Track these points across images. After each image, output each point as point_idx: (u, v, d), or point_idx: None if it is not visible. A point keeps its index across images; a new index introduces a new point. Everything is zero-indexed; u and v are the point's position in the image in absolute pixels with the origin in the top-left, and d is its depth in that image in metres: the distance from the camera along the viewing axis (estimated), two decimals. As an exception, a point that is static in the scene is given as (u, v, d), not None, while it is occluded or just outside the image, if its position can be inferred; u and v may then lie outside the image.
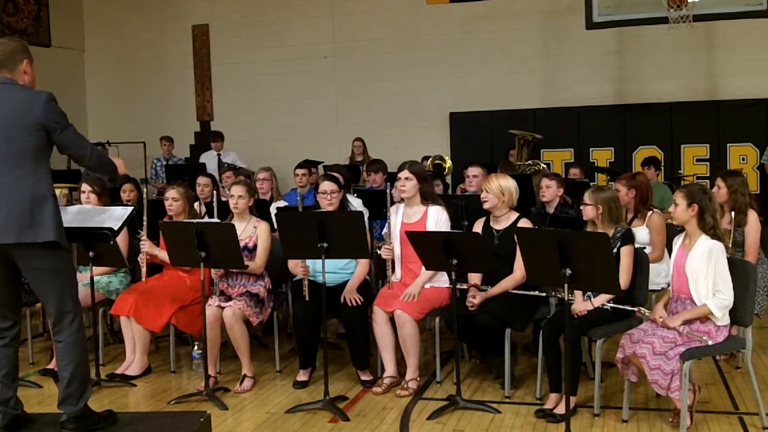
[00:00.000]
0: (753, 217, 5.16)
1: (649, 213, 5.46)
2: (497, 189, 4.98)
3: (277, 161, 10.17)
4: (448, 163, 10.82)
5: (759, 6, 9.37)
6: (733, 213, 5.09)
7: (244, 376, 5.13)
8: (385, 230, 5.27)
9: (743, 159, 10.35)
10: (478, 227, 5.16)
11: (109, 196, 5.91)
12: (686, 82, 10.50)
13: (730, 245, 4.86)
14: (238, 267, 4.98)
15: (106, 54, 12.67)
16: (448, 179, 9.54)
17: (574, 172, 8.42)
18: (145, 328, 5.31)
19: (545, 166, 9.73)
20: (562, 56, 10.95)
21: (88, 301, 5.04)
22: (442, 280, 5.09)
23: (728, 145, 10.37)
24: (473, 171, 6.70)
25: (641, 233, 5.32)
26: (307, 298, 4.97)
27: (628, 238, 4.56)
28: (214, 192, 5.80)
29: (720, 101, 10.41)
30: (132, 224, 5.62)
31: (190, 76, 12.48)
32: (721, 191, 5.15)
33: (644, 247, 5.21)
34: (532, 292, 4.78)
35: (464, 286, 4.97)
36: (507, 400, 4.75)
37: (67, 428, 3.56)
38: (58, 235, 3.47)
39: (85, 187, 5.61)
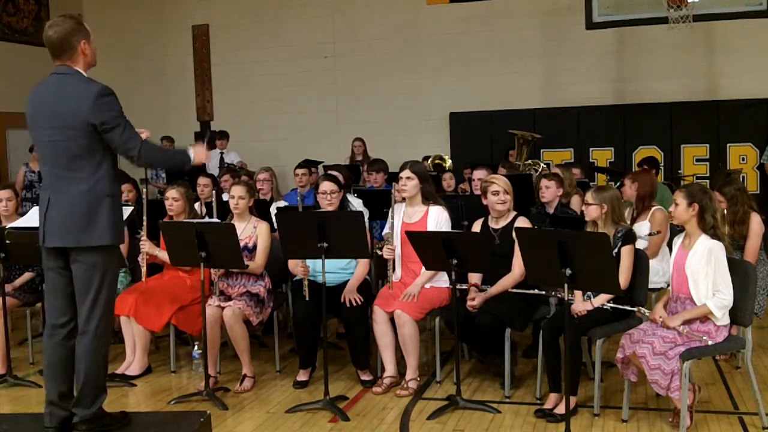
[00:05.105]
0: (756, 221, 5.12)
1: (653, 209, 5.52)
2: (509, 188, 5.01)
3: (278, 161, 10.17)
4: (448, 163, 10.82)
5: (759, 6, 9.36)
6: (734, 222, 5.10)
7: (244, 376, 5.13)
8: (386, 230, 5.26)
9: (743, 159, 10.34)
10: (476, 227, 5.16)
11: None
12: (686, 82, 10.49)
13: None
14: (238, 267, 4.98)
15: (106, 54, 12.66)
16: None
17: (575, 172, 8.39)
18: (145, 328, 5.31)
19: (545, 165, 9.73)
20: (562, 56, 10.94)
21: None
22: (442, 280, 5.08)
23: (728, 145, 10.37)
24: (479, 174, 6.50)
25: (643, 227, 5.40)
26: (307, 298, 4.97)
27: (629, 238, 4.56)
28: (214, 192, 5.80)
29: (720, 101, 10.40)
30: (132, 224, 5.63)
31: (190, 76, 12.49)
32: (721, 205, 5.08)
33: (649, 234, 5.31)
34: (532, 292, 4.78)
35: (464, 286, 4.97)
36: (507, 400, 4.74)
37: (80, 430, 3.45)
38: (114, 237, 3.44)
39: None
